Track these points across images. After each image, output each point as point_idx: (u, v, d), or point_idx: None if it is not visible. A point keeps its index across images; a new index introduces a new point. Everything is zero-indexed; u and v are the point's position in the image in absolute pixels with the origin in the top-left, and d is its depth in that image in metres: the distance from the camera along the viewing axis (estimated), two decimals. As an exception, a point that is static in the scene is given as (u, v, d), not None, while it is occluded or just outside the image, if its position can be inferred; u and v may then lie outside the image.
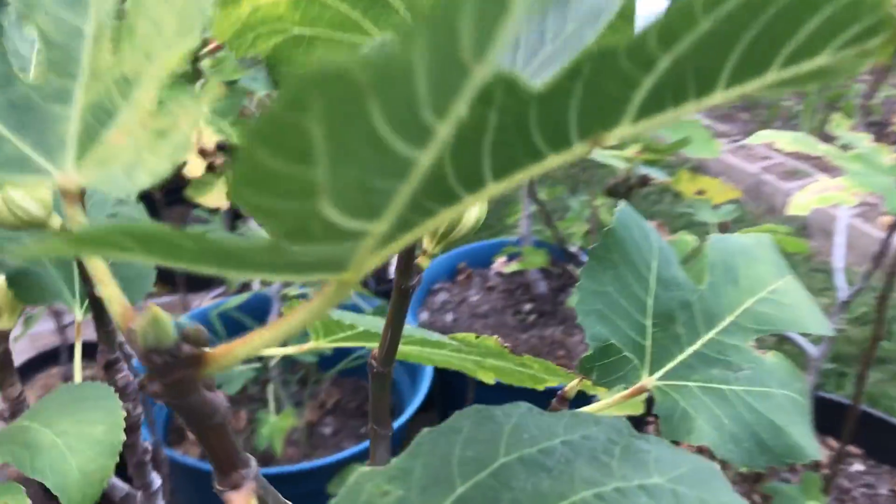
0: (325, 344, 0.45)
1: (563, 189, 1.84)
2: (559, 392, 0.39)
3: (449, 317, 1.75)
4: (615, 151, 1.04)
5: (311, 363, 1.54)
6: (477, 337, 0.40)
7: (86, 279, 0.44)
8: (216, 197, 1.12)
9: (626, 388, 0.38)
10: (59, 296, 0.47)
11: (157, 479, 0.52)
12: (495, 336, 0.40)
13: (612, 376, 0.38)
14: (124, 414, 0.33)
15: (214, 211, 1.40)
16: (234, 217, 1.64)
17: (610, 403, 0.37)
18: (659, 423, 0.36)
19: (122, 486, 0.53)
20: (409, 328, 0.39)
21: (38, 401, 0.35)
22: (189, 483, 1.31)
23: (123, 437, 0.33)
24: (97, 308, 0.43)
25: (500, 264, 1.83)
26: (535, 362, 0.40)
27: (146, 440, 0.50)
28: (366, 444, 1.42)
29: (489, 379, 0.43)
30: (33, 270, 0.47)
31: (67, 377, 1.56)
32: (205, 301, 1.88)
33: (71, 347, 1.54)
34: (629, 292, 0.38)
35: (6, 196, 0.41)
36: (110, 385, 0.45)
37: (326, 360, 1.58)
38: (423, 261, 0.37)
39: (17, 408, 0.49)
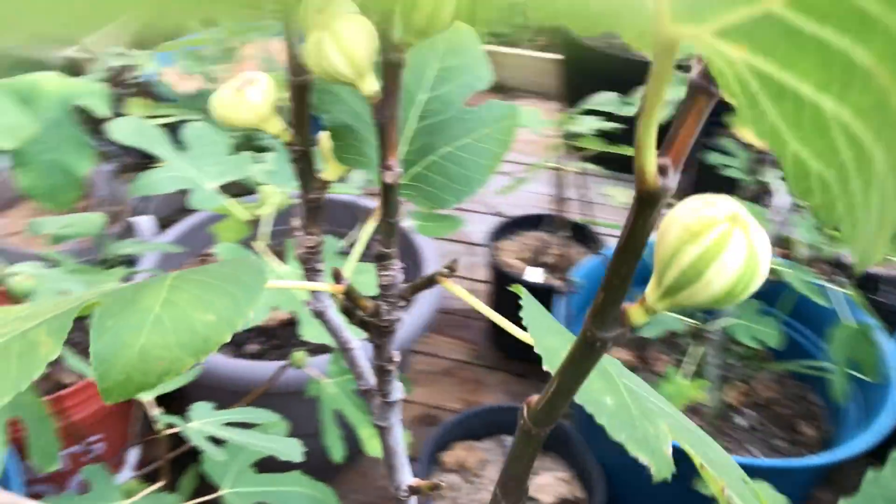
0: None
1: None
2: None
3: None
4: None
5: (761, 349, 1.36)
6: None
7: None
8: None
9: None
10: (369, 166, 0.44)
11: (398, 391, 0.48)
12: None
13: None
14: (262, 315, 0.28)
15: None
16: None
17: None
18: None
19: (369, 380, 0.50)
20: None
21: (204, 266, 0.32)
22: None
23: (225, 338, 0.28)
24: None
25: None
26: None
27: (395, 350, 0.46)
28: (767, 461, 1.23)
29: None
30: (354, 132, 0.44)
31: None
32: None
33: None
34: None
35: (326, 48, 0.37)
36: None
37: (780, 354, 1.39)
38: (635, 314, 0.24)
39: (309, 256, 0.48)
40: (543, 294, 1.40)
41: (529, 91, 2.65)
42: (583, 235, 1.71)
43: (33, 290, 0.78)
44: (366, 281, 0.65)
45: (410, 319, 1.28)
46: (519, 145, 2.39)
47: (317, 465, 0.88)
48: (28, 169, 0.90)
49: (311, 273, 0.46)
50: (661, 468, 0.26)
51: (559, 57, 2.37)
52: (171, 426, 0.68)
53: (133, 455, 1.07)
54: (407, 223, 1.21)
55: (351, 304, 0.42)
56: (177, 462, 0.84)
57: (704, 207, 0.22)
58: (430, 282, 0.41)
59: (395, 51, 0.37)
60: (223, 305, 0.29)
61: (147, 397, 0.76)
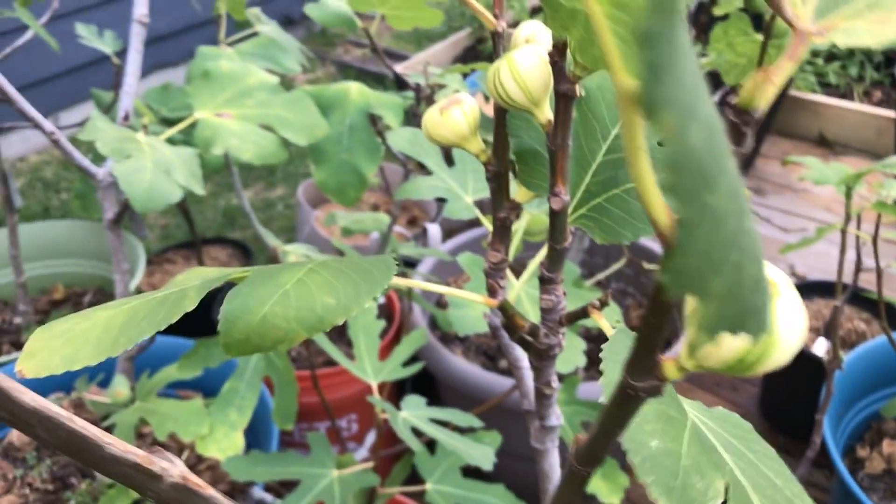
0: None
1: None
2: None
3: None
4: None
5: None
6: None
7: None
8: None
9: None
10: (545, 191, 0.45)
11: (556, 417, 0.49)
12: None
13: None
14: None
15: None
16: None
17: None
18: None
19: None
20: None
21: (347, 257, 0.35)
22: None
23: (338, 321, 0.32)
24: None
25: None
26: None
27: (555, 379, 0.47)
28: None
29: None
30: (538, 158, 0.46)
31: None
32: None
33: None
34: None
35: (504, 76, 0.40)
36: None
37: None
38: (669, 368, 0.23)
39: (493, 271, 0.50)
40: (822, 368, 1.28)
41: (856, 148, 2.41)
42: (888, 313, 1.53)
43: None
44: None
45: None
46: (828, 203, 2.19)
47: (524, 486, 0.90)
48: (323, 166, 1.02)
49: (492, 289, 0.48)
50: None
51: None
52: (383, 411, 0.74)
53: (371, 437, 1.16)
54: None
55: (509, 322, 0.44)
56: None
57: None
58: (583, 313, 0.42)
59: (567, 82, 0.38)
60: (345, 292, 0.33)
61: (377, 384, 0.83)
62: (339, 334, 1.39)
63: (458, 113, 0.46)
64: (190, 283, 0.34)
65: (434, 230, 1.73)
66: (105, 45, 1.30)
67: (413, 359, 0.96)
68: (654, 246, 1.49)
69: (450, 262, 1.38)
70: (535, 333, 0.44)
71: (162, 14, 2.86)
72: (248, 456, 0.76)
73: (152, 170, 0.72)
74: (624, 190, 0.45)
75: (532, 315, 0.72)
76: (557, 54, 0.38)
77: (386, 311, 1.49)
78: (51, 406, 0.23)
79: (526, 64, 0.38)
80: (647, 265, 1.23)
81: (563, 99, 0.38)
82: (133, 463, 0.22)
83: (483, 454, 0.71)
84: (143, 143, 0.76)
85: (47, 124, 0.90)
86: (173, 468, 0.22)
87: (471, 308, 0.76)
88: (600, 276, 1.29)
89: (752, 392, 1.67)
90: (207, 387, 1.10)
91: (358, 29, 1.10)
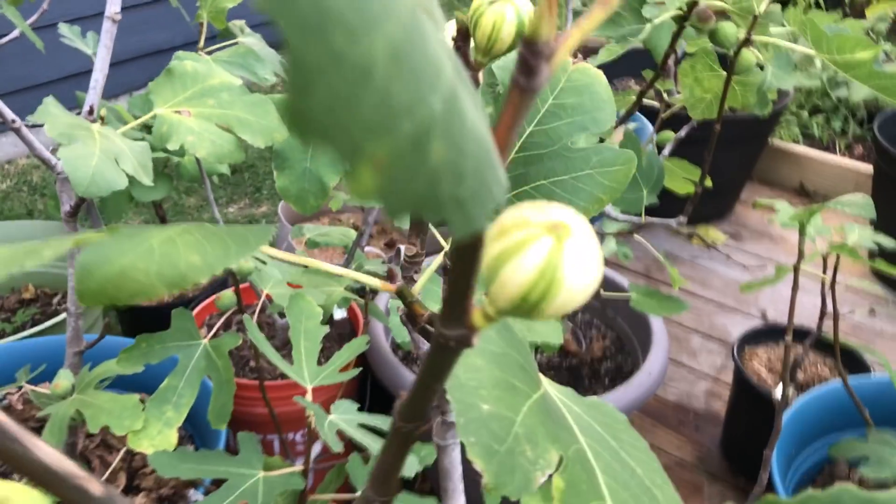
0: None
1: None
2: None
3: None
4: None
5: None
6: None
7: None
8: None
9: None
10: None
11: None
12: None
13: None
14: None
15: None
16: None
17: None
18: None
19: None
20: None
21: (229, 225, 0.36)
22: None
23: (201, 280, 0.32)
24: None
25: None
26: None
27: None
28: None
29: None
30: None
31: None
32: None
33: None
34: None
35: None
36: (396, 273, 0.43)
37: None
38: (477, 316, 0.23)
39: (408, 265, 0.50)
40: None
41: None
42: (849, 359, 1.52)
43: (251, 270, 0.89)
44: (434, 292, 0.65)
45: (615, 395, 1.24)
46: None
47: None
48: (286, 172, 1.03)
49: (391, 274, 0.48)
50: (500, 482, 0.24)
51: (873, 169, 2.15)
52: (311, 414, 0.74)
53: (317, 448, 1.15)
54: (629, 294, 1.17)
55: (410, 311, 0.44)
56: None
57: (532, 211, 0.21)
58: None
59: (470, 69, 0.39)
60: (213, 253, 0.33)
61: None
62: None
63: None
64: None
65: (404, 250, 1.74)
66: (87, 46, 1.31)
67: (363, 368, 0.95)
68: (611, 273, 1.49)
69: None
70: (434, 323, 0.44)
71: (161, 29, 2.89)
72: (175, 452, 0.75)
73: (99, 156, 0.72)
74: (534, 188, 0.46)
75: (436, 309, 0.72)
76: (461, 39, 0.39)
77: (349, 326, 1.49)
78: None
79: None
80: (604, 293, 1.23)
81: (462, 85, 0.38)
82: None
83: (409, 464, 0.70)
84: (94, 132, 0.76)
85: (8, 113, 0.90)
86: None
87: (410, 316, 0.76)
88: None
89: (714, 433, 1.66)
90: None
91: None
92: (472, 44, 0.39)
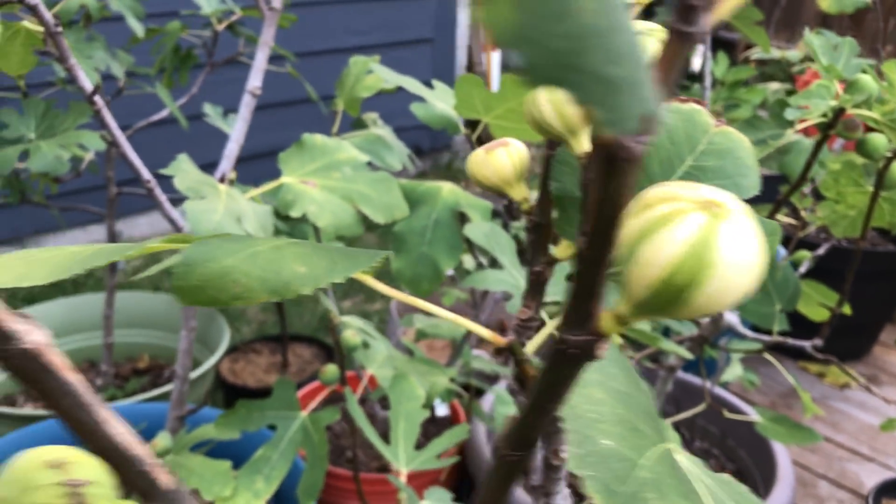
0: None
1: None
2: None
3: None
4: None
5: None
6: None
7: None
8: None
9: None
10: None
11: (564, 497, 0.44)
12: None
13: None
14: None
15: None
16: None
17: None
18: None
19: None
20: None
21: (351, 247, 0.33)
22: None
23: (305, 290, 0.29)
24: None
25: None
26: None
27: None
28: None
29: None
30: (578, 205, 0.44)
31: None
32: None
33: None
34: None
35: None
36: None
37: None
38: (606, 320, 0.20)
39: (521, 329, 0.47)
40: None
41: None
42: None
43: (357, 345, 0.87)
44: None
45: None
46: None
47: None
48: (402, 256, 1.02)
49: (502, 327, 0.45)
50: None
51: None
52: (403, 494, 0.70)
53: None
54: (755, 419, 1.08)
55: (520, 371, 0.40)
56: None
57: (681, 188, 0.18)
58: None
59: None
60: (320, 265, 0.31)
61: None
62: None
63: (503, 154, 0.44)
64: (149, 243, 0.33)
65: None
66: (228, 126, 1.38)
67: (461, 464, 0.90)
68: (733, 399, 1.39)
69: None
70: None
71: (295, 127, 3.05)
72: (259, 523, 0.72)
73: (222, 213, 0.73)
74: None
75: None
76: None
77: (449, 425, 1.44)
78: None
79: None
80: (728, 414, 1.14)
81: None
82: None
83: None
84: (221, 191, 0.78)
85: (145, 172, 0.94)
86: (33, 334, 0.20)
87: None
88: (675, 418, 1.20)
89: None
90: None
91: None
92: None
